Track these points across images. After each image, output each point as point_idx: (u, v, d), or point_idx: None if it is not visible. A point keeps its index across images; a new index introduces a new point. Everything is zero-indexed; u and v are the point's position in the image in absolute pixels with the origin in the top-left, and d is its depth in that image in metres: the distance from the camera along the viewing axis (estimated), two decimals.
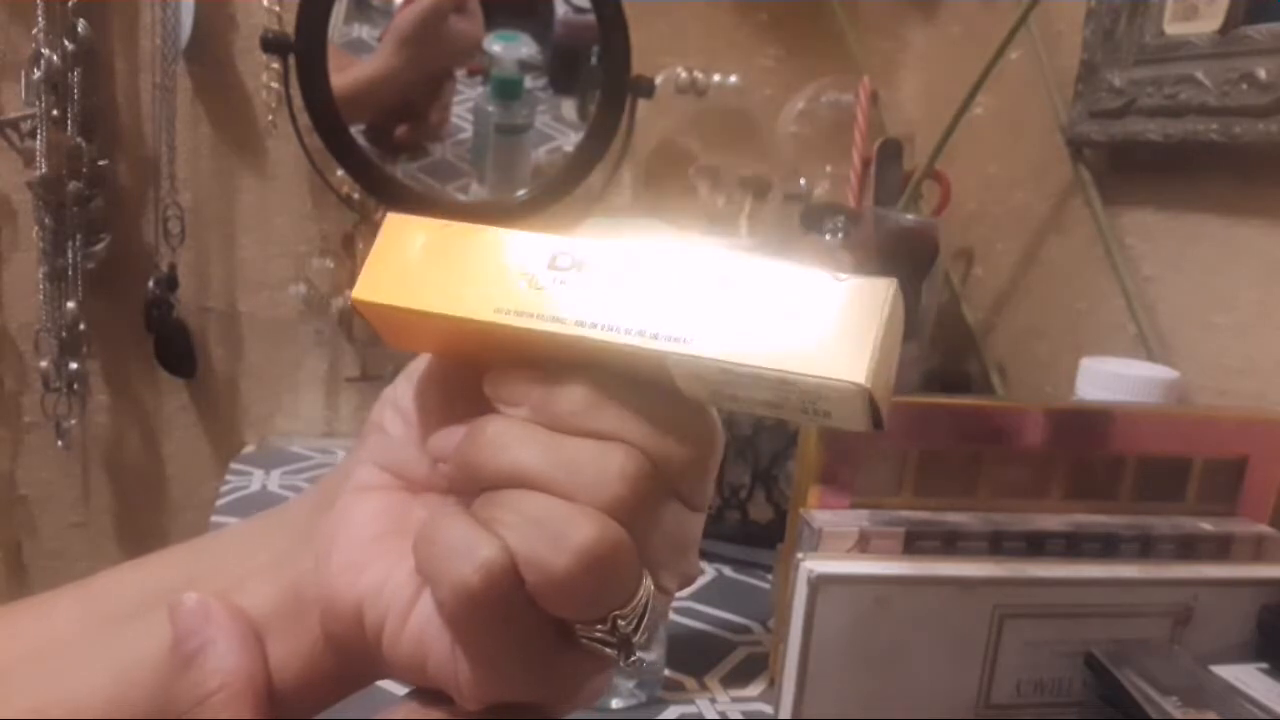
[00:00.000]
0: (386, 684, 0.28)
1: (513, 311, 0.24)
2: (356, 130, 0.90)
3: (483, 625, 0.24)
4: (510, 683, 0.24)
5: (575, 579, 0.22)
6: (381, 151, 0.93)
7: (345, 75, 0.88)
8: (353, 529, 0.27)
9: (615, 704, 0.55)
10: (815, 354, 0.22)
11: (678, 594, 0.27)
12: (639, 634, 0.24)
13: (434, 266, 0.26)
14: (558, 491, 0.23)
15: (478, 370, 0.26)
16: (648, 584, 0.24)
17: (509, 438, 0.24)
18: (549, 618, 0.23)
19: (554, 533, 0.22)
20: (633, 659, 0.24)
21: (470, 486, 0.25)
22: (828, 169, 1.00)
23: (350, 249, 0.95)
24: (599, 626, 0.24)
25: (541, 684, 0.25)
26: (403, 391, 0.29)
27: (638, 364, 0.23)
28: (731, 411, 0.24)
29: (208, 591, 0.27)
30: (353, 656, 0.27)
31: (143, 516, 0.98)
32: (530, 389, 0.24)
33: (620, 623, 0.23)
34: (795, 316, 0.22)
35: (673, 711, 0.55)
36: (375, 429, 0.29)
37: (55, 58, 0.83)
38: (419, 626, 0.25)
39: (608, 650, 0.24)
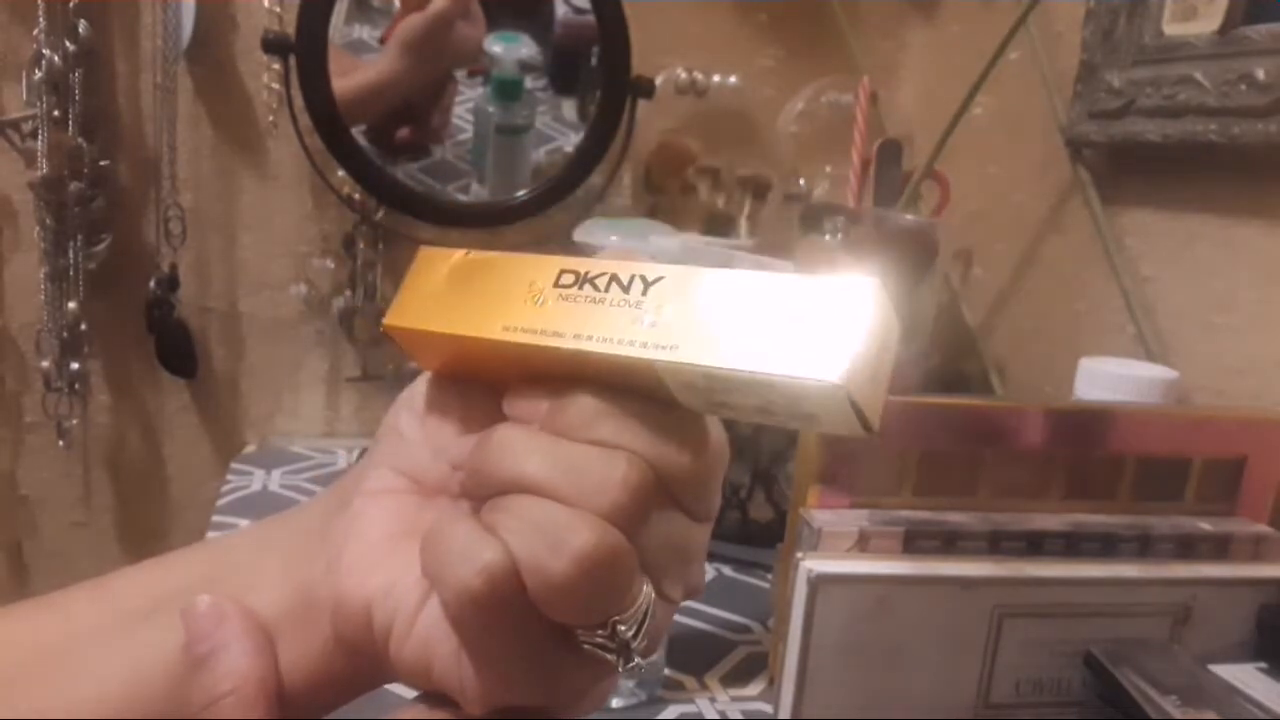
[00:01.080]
0: (395, 686, 0.28)
1: (519, 329, 0.25)
2: (357, 131, 0.90)
3: (485, 628, 0.24)
4: (514, 687, 0.24)
5: (573, 583, 0.22)
6: (382, 153, 0.93)
7: (349, 79, 0.88)
8: (365, 531, 0.27)
9: (615, 703, 0.55)
10: (794, 355, 0.22)
11: (682, 603, 0.27)
12: (638, 640, 0.24)
13: (455, 292, 0.27)
14: (561, 498, 0.23)
15: (495, 383, 0.27)
16: (648, 591, 0.24)
17: (516, 445, 0.24)
18: (551, 623, 0.24)
19: (554, 538, 0.23)
20: (632, 664, 0.24)
21: (480, 492, 0.25)
22: (827, 169, 1.00)
23: (351, 249, 0.95)
24: (599, 631, 0.24)
25: (545, 688, 0.25)
26: (418, 396, 0.29)
27: (635, 375, 0.24)
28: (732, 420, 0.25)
29: (221, 593, 0.28)
30: (362, 658, 0.27)
31: (144, 516, 0.98)
32: (540, 403, 0.25)
33: (620, 628, 0.24)
34: (777, 320, 0.22)
35: (672, 711, 0.55)
36: (390, 432, 0.29)
37: (56, 58, 0.83)
38: (425, 629, 0.25)
39: (607, 655, 0.24)
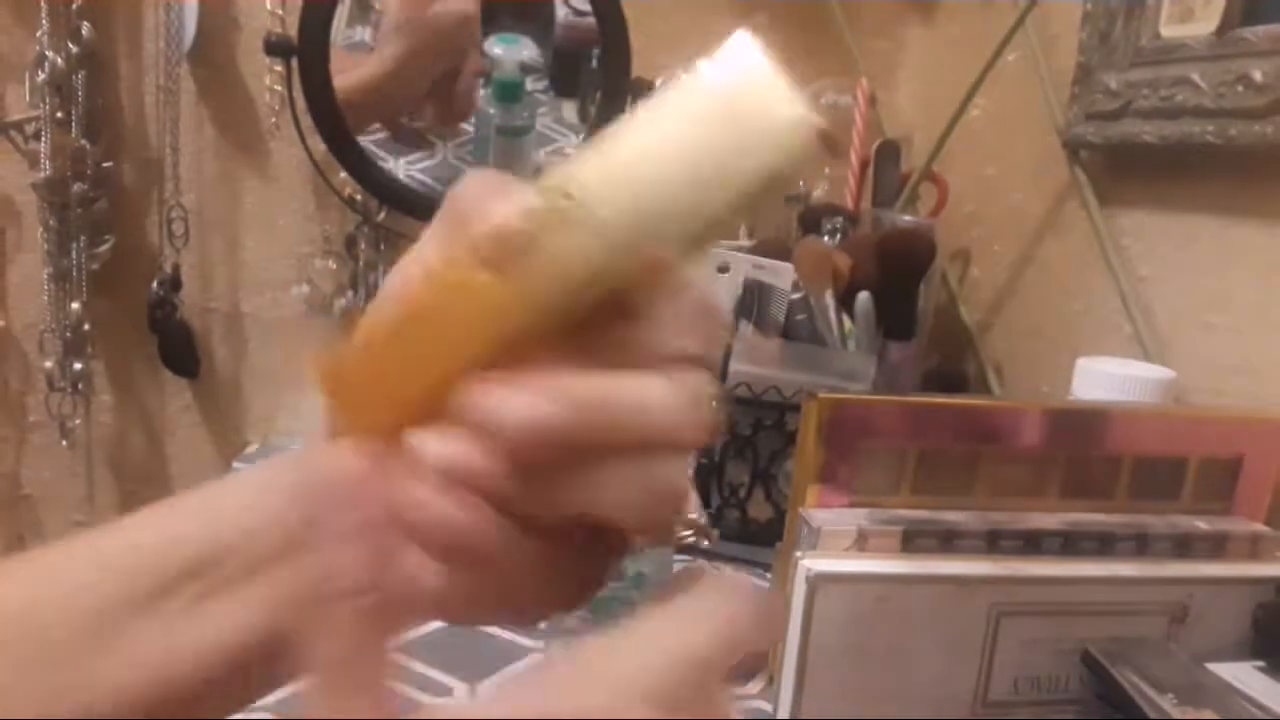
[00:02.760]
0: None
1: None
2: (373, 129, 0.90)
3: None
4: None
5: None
6: (402, 138, 0.92)
7: (346, 76, 0.88)
8: None
9: None
10: (744, 136, 0.23)
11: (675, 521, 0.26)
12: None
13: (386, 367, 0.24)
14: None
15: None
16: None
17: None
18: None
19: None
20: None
21: None
22: (826, 170, 1.00)
23: (352, 250, 0.95)
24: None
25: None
26: None
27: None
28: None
29: (225, 544, 0.27)
30: None
31: None
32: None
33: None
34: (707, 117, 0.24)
35: None
36: None
37: (59, 60, 0.83)
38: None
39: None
